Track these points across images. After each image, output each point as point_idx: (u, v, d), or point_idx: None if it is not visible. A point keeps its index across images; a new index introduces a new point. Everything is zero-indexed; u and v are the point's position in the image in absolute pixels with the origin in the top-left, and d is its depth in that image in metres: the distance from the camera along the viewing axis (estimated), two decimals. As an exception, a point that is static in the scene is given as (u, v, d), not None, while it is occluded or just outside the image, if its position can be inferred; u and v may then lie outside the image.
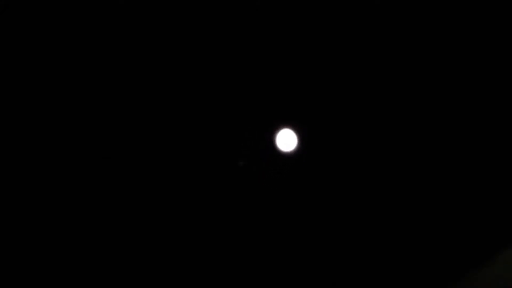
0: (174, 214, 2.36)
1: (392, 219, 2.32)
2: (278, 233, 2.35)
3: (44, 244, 2.28)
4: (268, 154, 2.35)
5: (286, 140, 2.35)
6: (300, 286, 2.30)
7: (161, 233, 2.34)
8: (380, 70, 2.35)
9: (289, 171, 2.35)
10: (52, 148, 2.29)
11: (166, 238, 2.34)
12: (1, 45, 2.30)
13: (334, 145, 2.38)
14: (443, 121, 2.34)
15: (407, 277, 2.29)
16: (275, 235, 2.35)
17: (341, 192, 2.35)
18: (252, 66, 2.38)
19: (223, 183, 2.36)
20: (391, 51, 2.35)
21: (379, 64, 2.35)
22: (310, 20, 2.32)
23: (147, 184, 2.34)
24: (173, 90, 2.37)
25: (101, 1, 2.29)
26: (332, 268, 2.30)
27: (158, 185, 2.36)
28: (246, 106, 2.38)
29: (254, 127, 2.37)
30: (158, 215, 2.35)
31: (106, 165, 2.29)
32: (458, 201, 2.33)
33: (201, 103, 2.37)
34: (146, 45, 2.34)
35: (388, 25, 2.31)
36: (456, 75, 2.34)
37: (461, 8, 2.32)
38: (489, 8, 2.31)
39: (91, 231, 2.29)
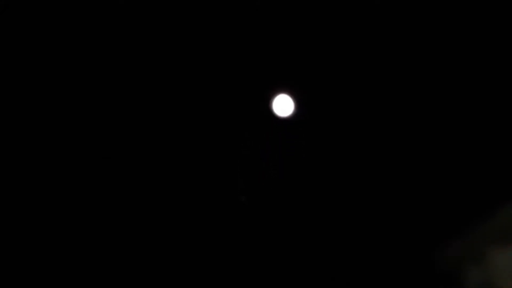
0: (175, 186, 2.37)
1: (392, 183, 2.31)
2: (276, 204, 2.39)
3: (44, 245, 2.29)
4: (264, 121, 2.32)
5: (283, 105, 2.32)
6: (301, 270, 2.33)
7: (160, 213, 2.37)
8: (378, 34, 2.30)
9: (286, 137, 2.32)
10: (52, 148, 2.30)
11: (165, 215, 2.37)
12: (1, 45, 2.32)
13: (332, 110, 2.32)
14: (442, 89, 2.31)
15: (407, 231, 2.34)
16: (273, 206, 2.39)
17: (341, 159, 2.34)
18: (247, 30, 2.33)
19: (220, 151, 2.34)
20: (389, 16, 2.29)
21: (377, 28, 2.29)
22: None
23: (144, 164, 2.33)
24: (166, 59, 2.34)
25: (101, 1, 2.30)
26: (332, 243, 2.33)
27: (157, 159, 2.35)
28: (239, 72, 2.32)
29: (249, 93, 2.33)
30: (158, 195, 2.32)
31: (105, 165, 2.33)
32: (459, 153, 2.33)
33: (195, 70, 2.32)
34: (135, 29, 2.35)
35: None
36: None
37: (461, 8, 2.23)
38: (489, 8, 2.22)
39: (86, 232, 2.29)
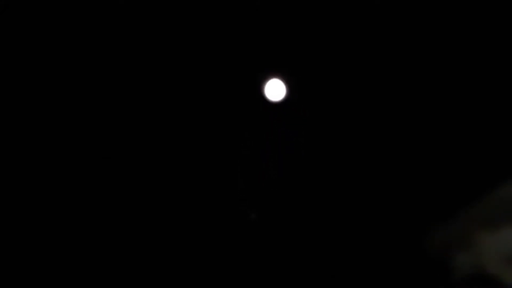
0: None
1: (382, 169, 2.29)
2: (269, 189, 2.36)
3: (44, 245, 2.26)
4: (256, 105, 2.33)
5: (275, 89, 2.33)
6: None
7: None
8: (373, 17, 2.30)
9: (278, 121, 2.32)
10: (52, 148, 2.30)
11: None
12: (1, 45, 2.33)
13: (327, 93, 2.32)
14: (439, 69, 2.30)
15: (394, 217, 2.31)
16: (266, 191, 2.36)
17: (336, 144, 2.31)
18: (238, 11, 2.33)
19: (212, 133, 2.34)
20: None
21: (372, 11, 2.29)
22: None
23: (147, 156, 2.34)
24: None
25: (101, 1, 2.31)
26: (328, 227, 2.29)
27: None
28: (230, 56, 2.33)
29: (241, 77, 2.34)
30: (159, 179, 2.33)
31: (105, 165, 2.32)
32: (445, 138, 2.30)
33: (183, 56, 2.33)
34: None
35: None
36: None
37: (461, 8, 2.23)
38: (489, 8, 2.21)
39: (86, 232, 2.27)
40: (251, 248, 2.30)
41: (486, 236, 2.15)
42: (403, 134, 2.30)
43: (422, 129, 2.29)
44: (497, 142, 2.24)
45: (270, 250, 2.31)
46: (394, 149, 2.29)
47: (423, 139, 2.29)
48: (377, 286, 2.22)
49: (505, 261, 2.12)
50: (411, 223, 2.25)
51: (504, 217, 2.14)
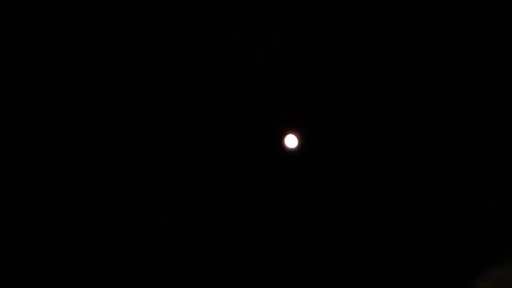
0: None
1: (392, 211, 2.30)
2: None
3: (44, 243, 2.32)
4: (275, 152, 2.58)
5: (291, 140, 2.63)
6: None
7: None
8: (378, 74, 2.33)
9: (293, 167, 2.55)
10: (52, 146, 2.31)
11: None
12: (1, 45, 2.28)
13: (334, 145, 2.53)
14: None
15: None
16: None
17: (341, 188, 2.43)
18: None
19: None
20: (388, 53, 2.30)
21: (377, 67, 2.32)
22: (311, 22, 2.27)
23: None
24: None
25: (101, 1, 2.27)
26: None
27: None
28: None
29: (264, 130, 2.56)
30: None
31: (106, 164, 2.34)
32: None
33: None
34: (146, 45, 2.35)
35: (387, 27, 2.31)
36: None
37: (461, 8, 2.32)
38: (489, 8, 2.30)
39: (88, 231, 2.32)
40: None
41: None
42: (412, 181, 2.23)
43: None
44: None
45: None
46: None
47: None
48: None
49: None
50: (462, 262, 2.17)
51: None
